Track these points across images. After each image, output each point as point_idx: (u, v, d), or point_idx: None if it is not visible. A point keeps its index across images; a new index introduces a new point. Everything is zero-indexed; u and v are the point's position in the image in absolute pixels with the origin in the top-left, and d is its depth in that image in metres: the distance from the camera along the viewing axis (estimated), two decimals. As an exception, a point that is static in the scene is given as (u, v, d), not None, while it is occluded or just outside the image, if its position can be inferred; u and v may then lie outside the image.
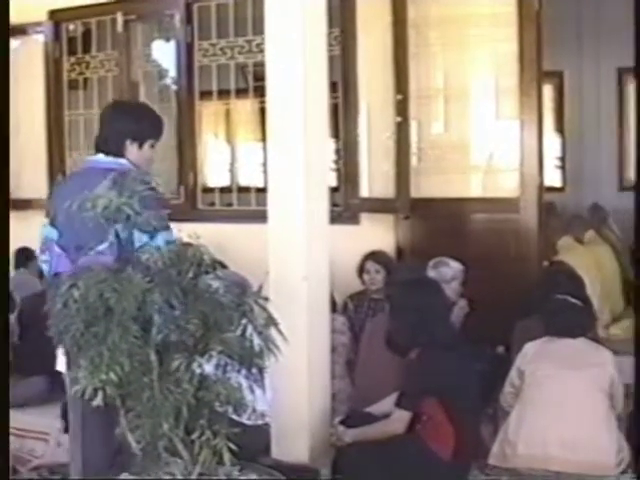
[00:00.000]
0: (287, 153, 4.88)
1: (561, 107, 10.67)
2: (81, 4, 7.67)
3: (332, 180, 6.82)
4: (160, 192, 3.93)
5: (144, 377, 3.08)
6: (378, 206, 6.60)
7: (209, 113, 8.20)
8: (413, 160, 6.48)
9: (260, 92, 6.10)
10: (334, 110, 6.63)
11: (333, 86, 6.34)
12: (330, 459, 4.50)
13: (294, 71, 4.84)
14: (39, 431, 5.50)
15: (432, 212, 6.46)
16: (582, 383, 4.58)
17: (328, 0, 5.11)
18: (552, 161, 10.40)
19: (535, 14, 6.07)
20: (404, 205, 6.44)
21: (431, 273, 5.51)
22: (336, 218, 5.76)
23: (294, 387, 4.79)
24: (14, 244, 4.61)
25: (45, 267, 4.08)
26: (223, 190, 7.60)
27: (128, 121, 4.20)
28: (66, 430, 4.98)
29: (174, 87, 7.53)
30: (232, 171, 7.26)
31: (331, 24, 5.78)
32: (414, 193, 6.44)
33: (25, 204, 7.45)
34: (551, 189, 8.83)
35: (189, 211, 7.17)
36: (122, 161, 4.11)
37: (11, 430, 3.84)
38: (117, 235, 3.59)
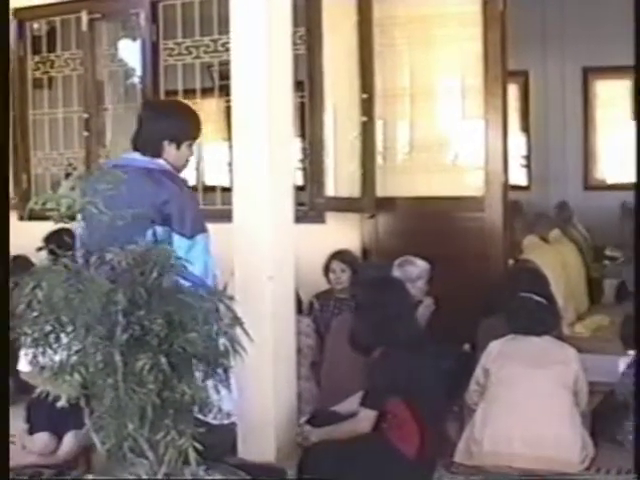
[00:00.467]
0: (252, 152, 4.89)
1: (526, 106, 10.75)
2: (45, 2, 7.60)
3: (298, 179, 6.84)
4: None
5: (109, 378, 3.06)
6: (344, 205, 6.60)
7: (175, 112, 8.15)
8: (379, 159, 6.49)
9: (226, 91, 6.07)
10: (300, 109, 6.64)
11: (299, 85, 6.35)
12: (296, 459, 4.50)
13: (259, 70, 4.85)
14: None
15: (398, 211, 6.48)
16: (547, 381, 4.61)
17: (293, -1, 5.13)
18: (518, 160, 10.47)
19: (500, 14, 6.10)
20: (370, 204, 6.45)
21: (397, 272, 5.51)
22: (302, 217, 5.79)
23: (260, 386, 4.79)
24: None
25: None
26: (189, 189, 7.55)
27: (166, 122, 4.20)
28: (31, 432, 4.95)
29: (140, 86, 7.48)
30: (198, 170, 7.21)
31: (296, 23, 5.81)
32: (380, 192, 6.45)
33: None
34: (516, 188, 8.89)
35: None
36: (159, 161, 4.13)
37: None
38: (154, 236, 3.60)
